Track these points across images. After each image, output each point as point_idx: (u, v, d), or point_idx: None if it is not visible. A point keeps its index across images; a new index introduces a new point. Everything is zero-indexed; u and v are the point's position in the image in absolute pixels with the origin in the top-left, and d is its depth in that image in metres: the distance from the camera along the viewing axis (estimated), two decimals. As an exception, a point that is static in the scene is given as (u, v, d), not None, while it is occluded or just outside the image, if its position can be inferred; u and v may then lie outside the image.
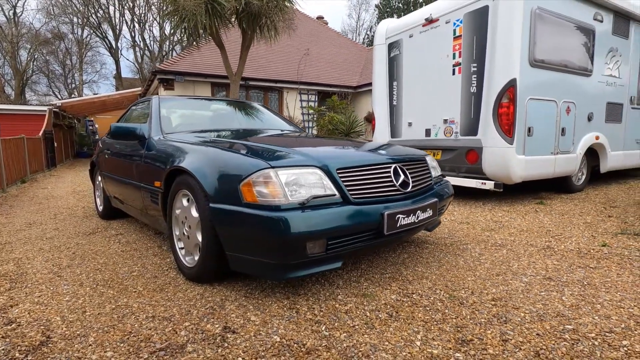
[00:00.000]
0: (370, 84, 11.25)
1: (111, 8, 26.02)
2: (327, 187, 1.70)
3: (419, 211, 1.92)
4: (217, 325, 1.49)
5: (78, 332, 1.48)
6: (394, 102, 5.22)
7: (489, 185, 3.83)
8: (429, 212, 2.02)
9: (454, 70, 4.28)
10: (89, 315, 1.63)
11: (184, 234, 2.06)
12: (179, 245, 2.16)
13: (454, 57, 4.28)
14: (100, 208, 3.84)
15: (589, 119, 4.46)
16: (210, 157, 1.90)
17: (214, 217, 1.74)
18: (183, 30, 6.56)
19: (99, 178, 3.81)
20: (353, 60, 12.72)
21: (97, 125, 16.49)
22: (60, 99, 25.26)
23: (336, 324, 1.48)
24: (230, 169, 1.74)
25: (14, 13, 25.88)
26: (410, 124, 4.98)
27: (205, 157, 1.92)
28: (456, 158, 4.24)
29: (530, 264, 2.13)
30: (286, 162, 1.71)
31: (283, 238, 1.53)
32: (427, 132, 4.69)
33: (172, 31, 6.73)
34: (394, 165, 1.98)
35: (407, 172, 2.03)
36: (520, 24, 3.63)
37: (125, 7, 26.12)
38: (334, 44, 13.08)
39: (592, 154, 4.71)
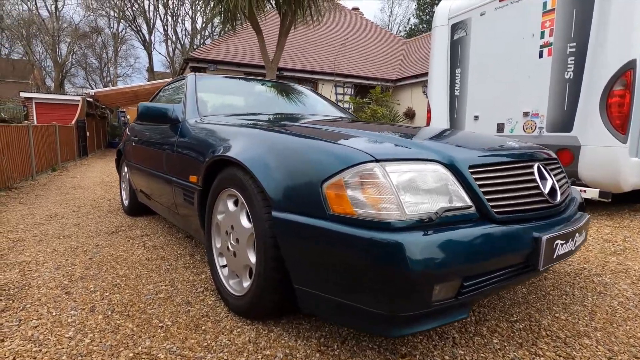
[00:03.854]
0: (411, 77, 10.50)
1: (146, 2, 26.42)
2: (457, 195, 1.08)
3: (576, 234, 1.28)
4: (290, 416, 0.92)
5: (74, 409, 0.95)
6: (456, 92, 4.51)
7: (592, 193, 3.07)
8: (584, 235, 1.37)
9: (541, 52, 3.53)
10: (96, 371, 1.10)
11: (228, 248, 1.51)
12: (219, 261, 1.61)
13: (542, 37, 3.52)
14: (126, 202, 3.40)
15: None
16: (273, 145, 1.32)
17: (278, 232, 1.17)
18: (219, 14, 6.11)
19: (125, 169, 3.37)
20: (392, 52, 11.97)
21: (128, 117, 16.57)
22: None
23: None
24: (306, 161, 1.16)
25: (55, 7, 26.78)
26: (476, 118, 4.26)
27: (266, 145, 1.34)
28: (540, 159, 3.49)
29: None
30: (396, 154, 1.11)
31: (398, 276, 0.94)
32: (500, 127, 3.96)
33: (205, 17, 6.29)
34: (536, 164, 1.34)
35: (552, 175, 1.38)
36: (644, -10, 2.85)
37: (159, 1, 26.40)
38: (371, 36, 12.37)
39: None
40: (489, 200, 1.11)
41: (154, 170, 2.38)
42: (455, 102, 4.54)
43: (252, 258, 1.35)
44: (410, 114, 9.63)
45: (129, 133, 3.40)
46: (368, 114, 7.31)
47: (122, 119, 16.15)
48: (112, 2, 25.90)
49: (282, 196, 1.17)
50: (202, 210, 1.74)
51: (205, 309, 1.52)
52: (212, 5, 6.03)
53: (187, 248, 2.38)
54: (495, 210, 1.11)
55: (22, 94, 13.42)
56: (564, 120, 3.34)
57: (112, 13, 26.86)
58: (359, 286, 1.02)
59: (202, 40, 27.57)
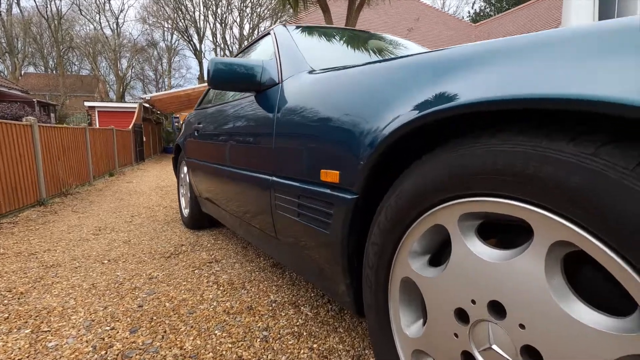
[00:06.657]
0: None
1: (196, 13, 27.26)
2: None
3: None
4: None
5: None
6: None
7: None
8: None
9: None
10: None
11: (471, 355, 0.57)
12: (413, 368, 0.68)
13: None
14: (186, 212, 2.65)
15: None
16: None
17: None
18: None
19: (185, 169, 2.64)
20: (460, 39, 10.64)
21: (182, 122, 16.80)
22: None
23: None
24: None
25: (117, 24, 28.58)
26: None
27: None
28: None
29: None
30: None
31: None
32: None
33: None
34: None
35: None
36: None
37: (209, 11, 27.09)
38: (434, 21, 11.12)
39: None
40: None
41: (232, 167, 1.54)
42: None
43: None
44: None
45: (185, 124, 2.68)
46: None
47: (176, 124, 16.34)
48: (166, 15, 27.03)
49: None
50: (351, 240, 0.83)
51: None
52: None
53: (282, 288, 1.51)
54: None
55: (86, 103, 13.97)
56: None
57: (166, 25, 28.06)
58: None
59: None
